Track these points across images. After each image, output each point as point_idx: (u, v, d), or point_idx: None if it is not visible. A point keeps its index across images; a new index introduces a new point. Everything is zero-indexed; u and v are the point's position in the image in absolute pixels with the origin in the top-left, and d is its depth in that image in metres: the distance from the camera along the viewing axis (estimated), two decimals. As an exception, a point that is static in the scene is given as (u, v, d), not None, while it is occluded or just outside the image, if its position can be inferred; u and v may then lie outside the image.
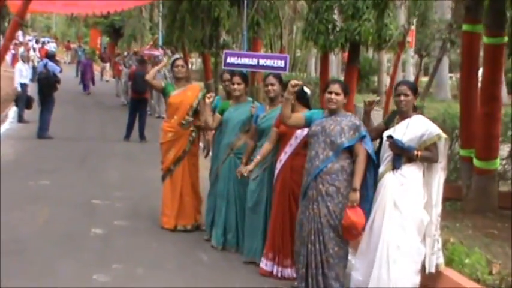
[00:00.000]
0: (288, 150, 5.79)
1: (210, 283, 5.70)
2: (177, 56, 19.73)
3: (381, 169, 5.16)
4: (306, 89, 5.81)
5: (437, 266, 5.16)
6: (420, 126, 5.06)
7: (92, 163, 11.36)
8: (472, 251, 5.74)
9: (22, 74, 15.77)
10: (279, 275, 5.80)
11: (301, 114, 5.58)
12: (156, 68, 7.62)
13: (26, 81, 15.87)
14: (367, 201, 5.14)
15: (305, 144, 5.58)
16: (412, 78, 31.35)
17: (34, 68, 20.89)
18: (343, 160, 5.21)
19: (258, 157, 5.94)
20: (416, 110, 5.23)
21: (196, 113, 7.17)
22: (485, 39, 8.03)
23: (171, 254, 6.47)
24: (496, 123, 8.04)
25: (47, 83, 13.69)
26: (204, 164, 7.41)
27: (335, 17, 11.85)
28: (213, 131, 7.01)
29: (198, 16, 18.87)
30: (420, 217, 5.01)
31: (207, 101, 6.61)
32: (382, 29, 11.28)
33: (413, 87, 5.23)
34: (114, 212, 7.88)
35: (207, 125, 6.84)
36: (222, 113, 6.72)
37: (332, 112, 5.33)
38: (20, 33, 33.16)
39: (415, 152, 4.99)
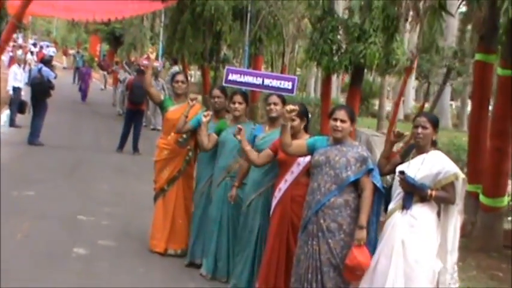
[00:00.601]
0: (288, 178, 5.35)
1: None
2: (176, 68, 19.45)
3: (391, 206, 4.73)
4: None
5: None
6: (436, 163, 4.61)
7: (81, 174, 10.96)
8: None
9: (17, 77, 15.45)
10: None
11: (303, 141, 5.17)
12: (148, 72, 7.05)
13: (21, 85, 15.54)
14: (369, 241, 4.72)
15: (307, 171, 5.18)
16: (411, 102, 31.32)
17: (31, 72, 20.51)
18: (347, 194, 4.81)
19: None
20: (435, 145, 4.76)
21: (194, 131, 6.75)
22: (499, 71, 7.76)
23: (157, 280, 6.07)
24: (507, 159, 7.73)
25: (40, 89, 13.33)
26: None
27: (340, 38, 11.63)
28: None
29: (199, 28, 18.65)
30: (430, 266, 4.54)
31: (204, 119, 6.17)
32: (391, 53, 11.01)
33: (434, 120, 4.77)
34: (99, 230, 7.46)
35: (202, 146, 6.36)
36: (218, 133, 6.30)
37: (337, 141, 4.93)
38: (20, 35, 32.87)
39: (429, 192, 4.54)
